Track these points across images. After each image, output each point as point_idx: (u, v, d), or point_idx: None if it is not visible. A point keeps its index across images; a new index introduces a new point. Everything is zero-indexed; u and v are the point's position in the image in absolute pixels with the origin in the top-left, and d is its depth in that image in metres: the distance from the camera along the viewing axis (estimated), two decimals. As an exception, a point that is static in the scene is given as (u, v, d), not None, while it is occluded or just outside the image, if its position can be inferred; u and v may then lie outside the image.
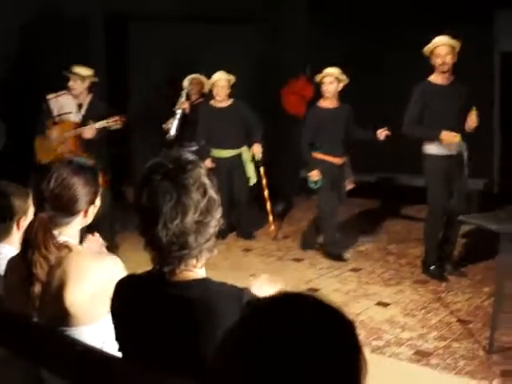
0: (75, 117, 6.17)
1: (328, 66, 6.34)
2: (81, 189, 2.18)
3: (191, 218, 1.64)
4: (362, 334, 4.46)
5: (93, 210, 2.26)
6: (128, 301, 1.80)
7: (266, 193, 7.15)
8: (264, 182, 7.15)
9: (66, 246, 2.12)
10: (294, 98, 9.17)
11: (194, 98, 7.33)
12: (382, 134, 6.04)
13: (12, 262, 2.26)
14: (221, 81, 6.82)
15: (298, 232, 7.36)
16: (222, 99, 6.89)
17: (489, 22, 7.94)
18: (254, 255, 6.60)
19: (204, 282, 1.73)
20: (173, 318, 1.69)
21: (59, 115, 6.18)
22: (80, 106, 6.21)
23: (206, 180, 1.69)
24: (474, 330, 4.50)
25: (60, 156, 5.56)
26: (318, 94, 6.64)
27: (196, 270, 1.74)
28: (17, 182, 2.72)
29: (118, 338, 1.83)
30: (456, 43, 5.36)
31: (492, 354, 4.07)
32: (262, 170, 7.14)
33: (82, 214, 2.23)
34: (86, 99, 6.22)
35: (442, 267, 5.65)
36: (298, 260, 6.45)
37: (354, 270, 6.04)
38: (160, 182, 1.65)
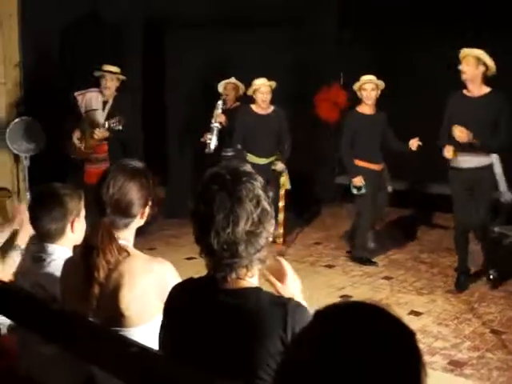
0: (101, 114, 6.37)
1: (361, 75, 6.39)
2: (136, 193, 2.29)
3: (242, 228, 1.71)
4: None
5: (148, 211, 2.37)
6: (181, 304, 1.87)
7: (281, 204, 7.14)
8: (282, 192, 7.17)
9: (125, 250, 2.23)
10: (327, 105, 9.22)
11: (229, 103, 7.37)
12: (414, 144, 6.07)
13: (69, 264, 2.36)
14: (265, 86, 6.78)
15: (329, 239, 7.40)
16: (266, 106, 6.88)
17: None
18: (287, 261, 6.63)
19: (255, 291, 1.79)
20: (222, 325, 1.75)
21: (86, 112, 6.42)
22: (105, 103, 6.42)
23: (260, 192, 1.75)
24: (508, 341, 4.51)
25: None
26: (351, 102, 6.68)
27: (248, 279, 1.79)
28: (55, 179, 2.84)
29: (164, 340, 1.89)
30: (380, 82, 6.19)
31: (526, 365, 4.08)
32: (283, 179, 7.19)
33: (138, 216, 2.33)
34: (111, 97, 6.44)
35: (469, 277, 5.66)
36: (330, 266, 6.50)
37: (387, 278, 6.07)
38: (216, 192, 1.72)
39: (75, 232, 2.66)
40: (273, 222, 1.80)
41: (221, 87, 7.37)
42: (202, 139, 7.23)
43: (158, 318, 2.15)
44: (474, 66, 5.26)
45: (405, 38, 8.47)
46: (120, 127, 6.07)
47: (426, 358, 4.22)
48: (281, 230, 7.19)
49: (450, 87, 5.54)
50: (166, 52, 8.75)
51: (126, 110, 6.27)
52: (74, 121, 6.43)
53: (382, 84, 6.31)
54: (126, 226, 2.31)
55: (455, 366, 4.16)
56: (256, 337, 1.69)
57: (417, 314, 5.11)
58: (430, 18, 8.24)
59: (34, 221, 2.69)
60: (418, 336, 4.18)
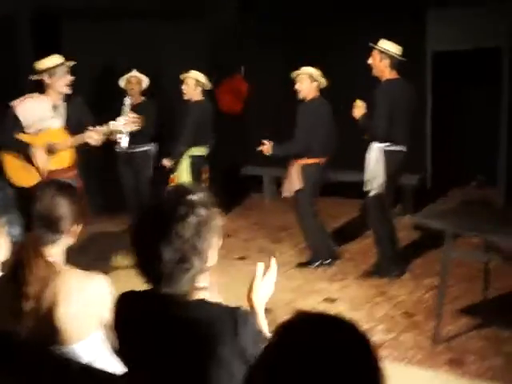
0: (56, 122, 4.98)
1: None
2: (65, 208, 2.26)
3: (170, 259, 1.74)
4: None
5: (77, 229, 2.34)
6: (130, 318, 1.88)
7: None
8: None
9: (54, 265, 2.19)
10: (229, 97, 9.27)
11: (135, 98, 7.20)
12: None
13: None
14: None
15: (240, 230, 7.47)
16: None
17: (421, 22, 8.20)
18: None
19: (202, 302, 1.83)
20: (174, 337, 1.78)
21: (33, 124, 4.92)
22: (54, 107, 5.00)
23: (196, 228, 1.77)
24: (419, 322, 4.72)
25: (52, 175, 4.70)
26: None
27: (192, 293, 1.83)
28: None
29: (120, 353, 1.91)
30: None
31: (438, 343, 4.27)
32: None
33: (67, 233, 2.30)
34: (60, 98, 5.04)
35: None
36: (242, 258, 6.53)
37: (300, 266, 6.16)
38: (155, 222, 1.78)
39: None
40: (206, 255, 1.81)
41: (123, 82, 7.19)
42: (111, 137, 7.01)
43: (95, 333, 2.13)
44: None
45: (307, 29, 8.60)
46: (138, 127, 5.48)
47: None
48: None
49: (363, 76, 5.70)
50: (61, 46, 8.46)
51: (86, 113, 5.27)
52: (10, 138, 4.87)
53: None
54: (54, 242, 2.28)
55: (372, 349, 4.28)
56: (210, 345, 1.73)
57: (332, 300, 5.25)
58: (333, 6, 8.40)
59: None
60: None
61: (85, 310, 2.15)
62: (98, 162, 7.55)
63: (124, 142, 6.83)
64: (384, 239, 5.65)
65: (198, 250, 1.76)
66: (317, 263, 6.09)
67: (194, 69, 6.91)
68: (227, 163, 9.08)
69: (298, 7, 8.60)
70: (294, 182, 5.89)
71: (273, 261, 2.04)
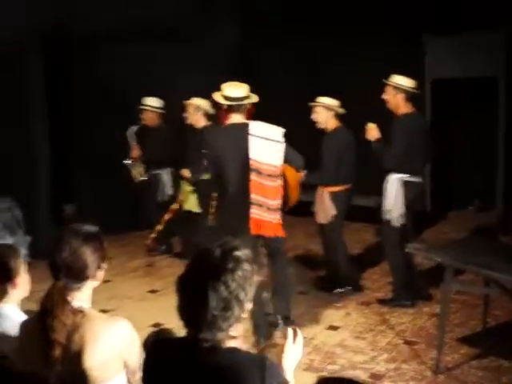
0: None
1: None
2: (90, 256, 2.37)
3: (214, 307, 1.95)
4: (316, 360, 4.72)
5: (102, 273, 2.46)
6: (161, 363, 2.04)
7: None
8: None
9: (80, 311, 2.31)
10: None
11: (150, 124, 7.57)
12: None
13: (26, 327, 2.43)
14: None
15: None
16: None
17: (419, 49, 8.41)
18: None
19: (233, 350, 2.01)
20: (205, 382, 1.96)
21: None
22: None
23: (240, 281, 2.00)
24: (420, 351, 4.84)
25: None
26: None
27: (225, 340, 2.00)
28: None
29: None
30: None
31: (438, 374, 4.40)
32: None
33: (92, 278, 2.42)
34: None
35: None
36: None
37: (302, 293, 6.31)
38: (201, 275, 2.00)
39: (18, 288, 2.70)
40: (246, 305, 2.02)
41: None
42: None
43: (120, 375, 2.27)
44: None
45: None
46: None
47: (349, 373, 4.47)
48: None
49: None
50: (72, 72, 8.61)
51: None
52: None
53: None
54: (80, 288, 2.39)
55: (375, 379, 4.43)
56: None
57: (335, 328, 5.38)
58: (333, 34, 8.60)
59: None
60: (339, 351, 4.48)
61: (110, 353, 2.28)
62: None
63: (138, 175, 7.23)
64: (399, 269, 5.79)
65: (240, 300, 1.97)
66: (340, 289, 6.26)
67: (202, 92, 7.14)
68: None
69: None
70: (328, 209, 6.06)
71: (299, 331, 2.31)
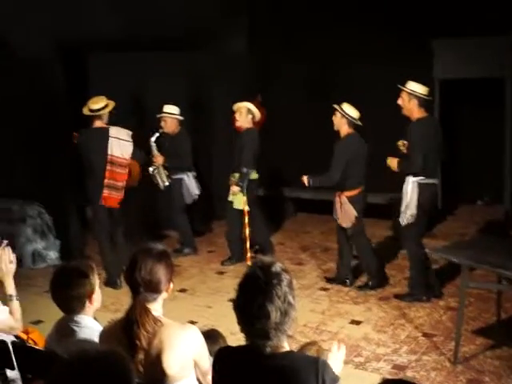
0: None
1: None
2: (163, 272, 2.77)
3: (273, 319, 2.28)
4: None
5: (171, 286, 2.86)
6: (229, 369, 2.42)
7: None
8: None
9: (158, 320, 2.71)
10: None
11: (171, 131, 7.91)
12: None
13: (105, 335, 2.82)
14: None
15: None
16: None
17: (427, 50, 8.74)
18: (229, 278, 7.16)
19: (290, 353, 2.39)
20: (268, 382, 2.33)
21: None
22: None
23: (286, 289, 2.33)
24: (439, 343, 5.22)
25: None
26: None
27: (283, 345, 2.37)
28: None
29: None
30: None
31: (457, 364, 4.78)
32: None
33: (164, 291, 2.82)
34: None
35: None
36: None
37: (323, 289, 6.69)
38: (253, 293, 2.32)
39: (93, 303, 3.09)
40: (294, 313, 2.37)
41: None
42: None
43: (193, 372, 2.66)
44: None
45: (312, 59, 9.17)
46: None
47: (374, 365, 4.84)
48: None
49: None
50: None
51: None
52: None
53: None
54: (156, 299, 2.80)
55: (398, 369, 4.81)
56: None
57: (357, 322, 5.76)
58: (342, 36, 8.95)
59: (57, 300, 3.10)
60: (363, 344, 4.95)
61: (184, 354, 2.65)
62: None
63: (161, 183, 7.63)
64: (418, 265, 6.15)
65: (291, 304, 2.32)
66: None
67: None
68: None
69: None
70: (349, 212, 6.45)
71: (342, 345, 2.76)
